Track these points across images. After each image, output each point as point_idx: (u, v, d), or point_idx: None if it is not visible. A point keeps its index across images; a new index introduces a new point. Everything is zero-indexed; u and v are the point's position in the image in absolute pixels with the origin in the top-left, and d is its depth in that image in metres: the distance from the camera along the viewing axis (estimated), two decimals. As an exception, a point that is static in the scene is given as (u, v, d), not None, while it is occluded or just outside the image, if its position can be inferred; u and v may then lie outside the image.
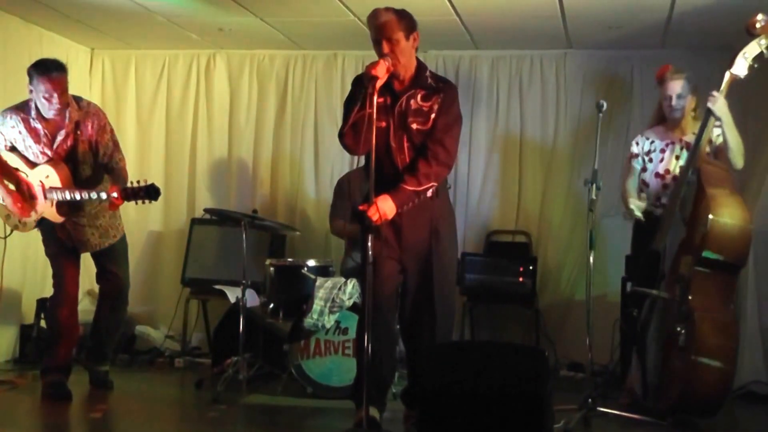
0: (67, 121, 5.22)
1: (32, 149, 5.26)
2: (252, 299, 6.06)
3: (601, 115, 5.04)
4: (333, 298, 5.42)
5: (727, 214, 4.72)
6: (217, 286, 6.57)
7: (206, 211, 6.47)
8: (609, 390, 5.56)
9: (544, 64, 7.08)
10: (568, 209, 6.95)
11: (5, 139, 5.29)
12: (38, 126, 5.22)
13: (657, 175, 5.38)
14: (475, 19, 6.30)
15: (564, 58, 7.05)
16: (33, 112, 5.22)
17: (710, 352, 4.61)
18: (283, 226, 6.50)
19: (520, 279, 6.50)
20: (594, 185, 4.95)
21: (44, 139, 5.24)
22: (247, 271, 5.56)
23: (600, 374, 5.97)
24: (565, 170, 6.98)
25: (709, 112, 4.93)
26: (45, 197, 5.20)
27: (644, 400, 5.00)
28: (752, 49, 4.82)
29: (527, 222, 7.06)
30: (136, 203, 5.16)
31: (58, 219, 5.25)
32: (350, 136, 4.38)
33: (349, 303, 5.44)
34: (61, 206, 5.23)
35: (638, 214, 5.21)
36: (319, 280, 5.52)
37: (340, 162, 7.18)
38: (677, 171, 5.26)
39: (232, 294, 6.30)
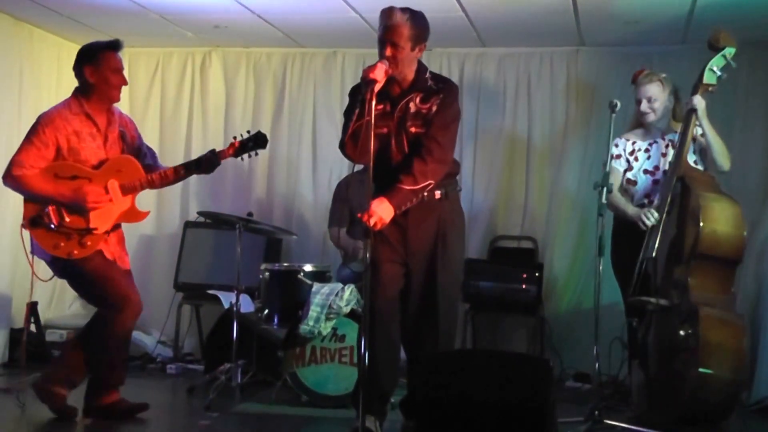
0: (115, 114, 4.92)
1: (88, 149, 4.76)
2: (246, 305, 6.00)
3: (614, 115, 4.96)
4: (330, 304, 5.34)
5: (718, 209, 4.76)
6: (211, 291, 6.52)
7: (200, 214, 6.46)
8: (616, 402, 5.44)
9: (555, 62, 6.92)
10: (576, 214, 6.79)
11: (56, 144, 4.71)
12: (91, 120, 4.78)
13: (646, 171, 5.33)
14: (483, 15, 6.19)
15: (576, 55, 6.89)
16: (85, 106, 4.78)
17: (718, 346, 4.55)
18: (279, 230, 6.41)
19: (525, 286, 6.39)
20: (604, 189, 4.87)
21: (99, 139, 4.79)
22: (241, 275, 5.60)
23: (607, 385, 5.85)
24: (574, 173, 6.83)
25: (691, 112, 5.01)
26: (123, 194, 4.76)
27: (650, 413, 4.90)
28: (719, 62, 5.02)
29: (533, 227, 6.93)
30: (245, 158, 4.95)
31: (141, 217, 4.91)
32: (351, 146, 4.32)
33: (346, 309, 5.36)
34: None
35: (651, 221, 5.05)
36: (316, 286, 5.45)
37: (339, 164, 7.06)
38: (666, 167, 5.20)
39: (226, 299, 6.25)
